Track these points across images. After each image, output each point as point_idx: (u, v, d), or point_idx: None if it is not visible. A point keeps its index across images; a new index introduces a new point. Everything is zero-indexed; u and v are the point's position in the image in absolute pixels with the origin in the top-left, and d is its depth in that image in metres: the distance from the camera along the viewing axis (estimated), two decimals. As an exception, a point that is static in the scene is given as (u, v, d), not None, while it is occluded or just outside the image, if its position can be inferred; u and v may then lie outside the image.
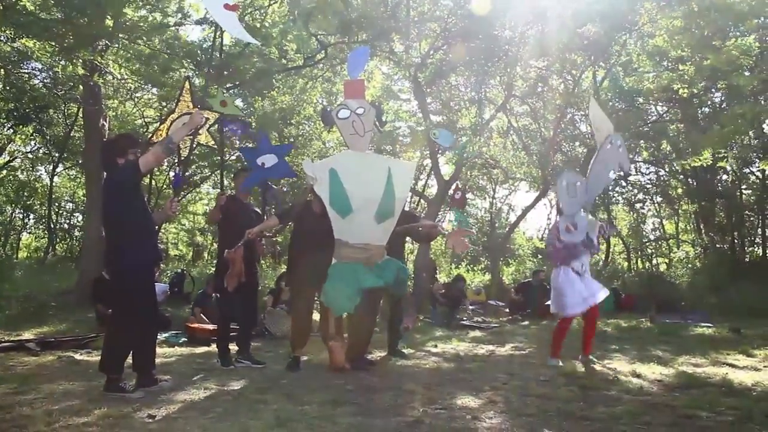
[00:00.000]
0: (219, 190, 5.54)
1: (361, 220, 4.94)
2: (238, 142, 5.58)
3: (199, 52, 11.10)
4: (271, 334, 7.42)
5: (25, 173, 18.79)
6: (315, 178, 4.98)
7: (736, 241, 17.23)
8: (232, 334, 5.56)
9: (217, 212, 5.25)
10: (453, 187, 9.72)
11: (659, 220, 22.32)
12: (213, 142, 5.47)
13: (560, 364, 5.36)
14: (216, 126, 5.35)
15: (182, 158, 5.27)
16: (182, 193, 15.94)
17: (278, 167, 5.39)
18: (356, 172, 5.03)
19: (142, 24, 10.35)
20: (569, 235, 5.34)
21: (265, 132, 5.79)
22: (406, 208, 5.90)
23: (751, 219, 17.81)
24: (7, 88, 12.49)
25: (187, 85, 5.03)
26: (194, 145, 5.11)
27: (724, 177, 17.44)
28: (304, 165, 5.26)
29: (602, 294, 5.51)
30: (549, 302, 5.57)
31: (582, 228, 5.39)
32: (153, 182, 15.77)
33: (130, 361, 4.10)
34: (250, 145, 7.39)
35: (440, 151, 13.22)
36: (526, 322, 9.88)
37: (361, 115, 5.11)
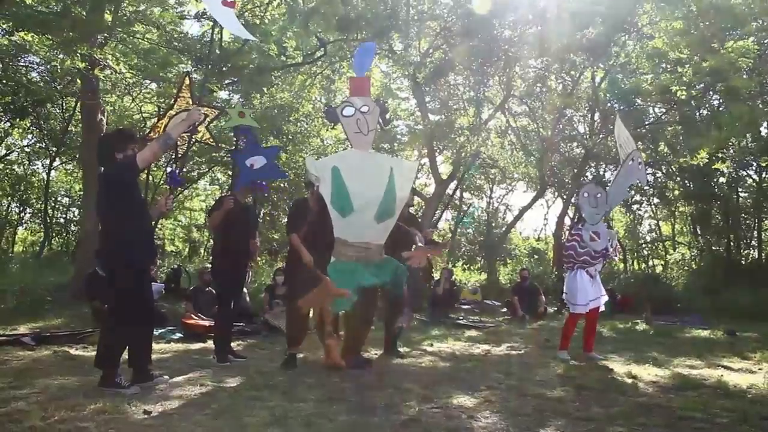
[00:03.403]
0: (228, 193, 5.49)
1: (362, 219, 4.91)
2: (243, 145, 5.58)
3: (198, 47, 11.05)
4: (275, 329, 7.34)
5: (21, 167, 18.73)
6: (318, 177, 4.95)
7: (732, 243, 17.27)
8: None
9: (222, 217, 5.17)
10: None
11: (656, 221, 22.38)
12: (211, 139, 5.46)
13: (568, 356, 5.72)
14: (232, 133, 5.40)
15: (179, 155, 5.24)
16: (179, 188, 15.90)
17: (267, 169, 5.40)
18: (359, 170, 4.98)
19: (140, 18, 10.30)
20: (593, 243, 5.74)
21: (253, 134, 5.74)
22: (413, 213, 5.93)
23: (747, 222, 17.87)
24: (5, 81, 12.42)
25: (186, 81, 5.00)
26: (191, 142, 5.09)
27: (721, 179, 17.47)
28: (306, 163, 5.21)
29: (604, 299, 5.96)
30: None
31: (603, 236, 5.78)
32: (150, 178, 15.73)
33: (126, 357, 4.10)
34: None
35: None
36: (522, 321, 9.89)
37: (365, 113, 5.06)
